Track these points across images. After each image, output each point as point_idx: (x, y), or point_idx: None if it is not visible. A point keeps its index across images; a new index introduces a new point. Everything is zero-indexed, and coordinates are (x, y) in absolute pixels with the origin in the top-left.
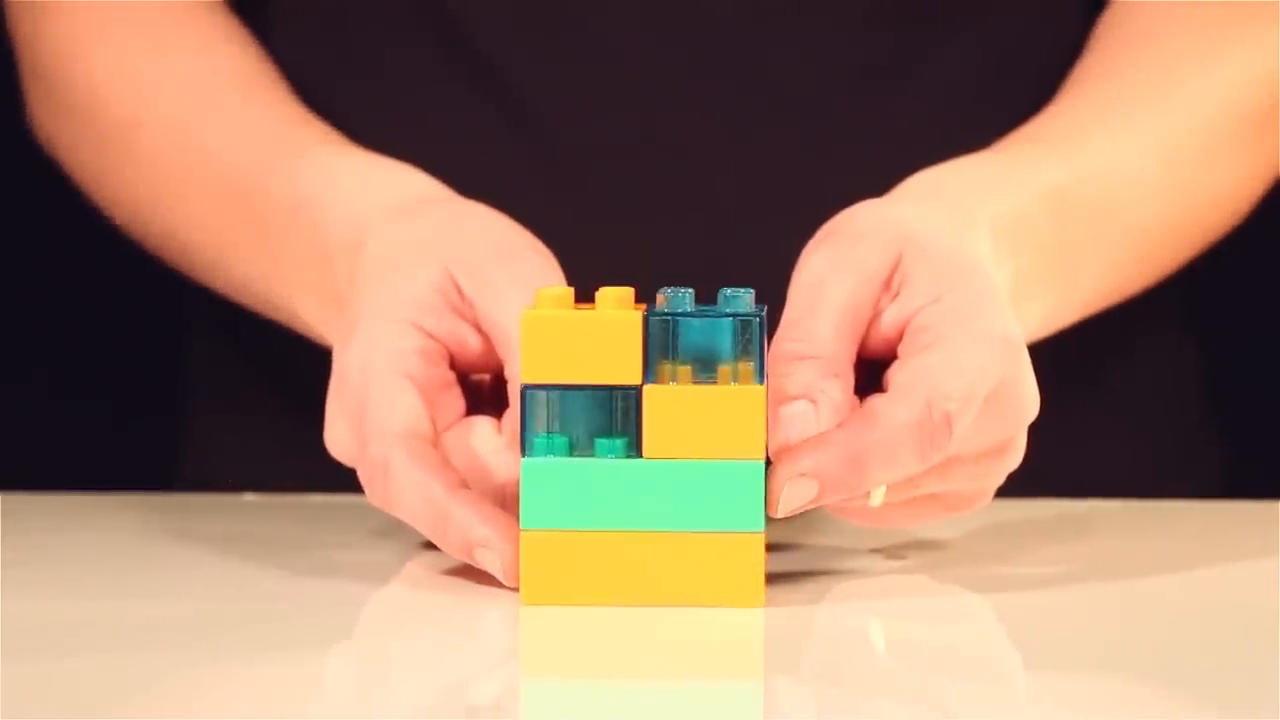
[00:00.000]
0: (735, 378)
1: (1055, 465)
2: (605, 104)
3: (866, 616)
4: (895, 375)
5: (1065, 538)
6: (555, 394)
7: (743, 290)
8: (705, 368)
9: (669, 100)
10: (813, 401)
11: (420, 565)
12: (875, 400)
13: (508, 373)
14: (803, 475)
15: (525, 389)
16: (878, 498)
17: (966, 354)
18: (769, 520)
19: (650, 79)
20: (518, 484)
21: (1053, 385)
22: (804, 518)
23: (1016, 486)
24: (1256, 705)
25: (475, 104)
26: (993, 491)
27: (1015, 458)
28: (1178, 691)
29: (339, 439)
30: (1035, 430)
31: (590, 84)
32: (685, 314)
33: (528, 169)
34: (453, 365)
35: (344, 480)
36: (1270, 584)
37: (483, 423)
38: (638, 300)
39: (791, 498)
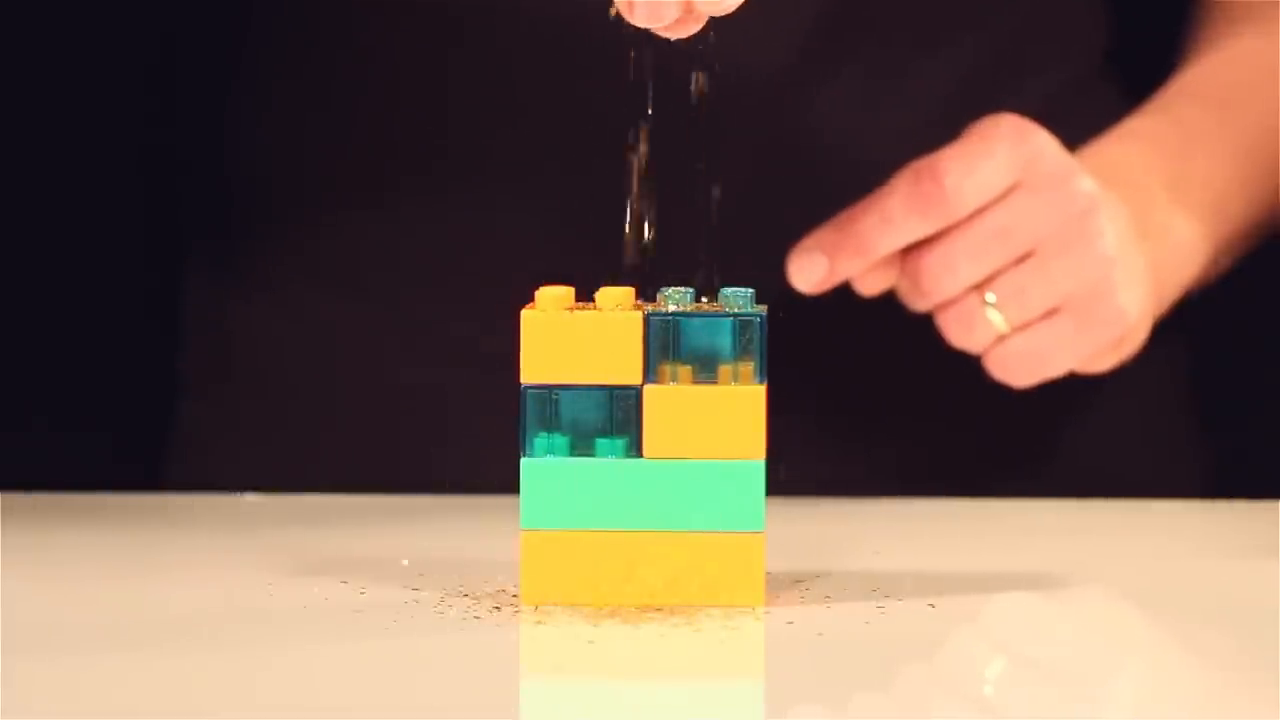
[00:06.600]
0: (735, 378)
1: (1055, 465)
2: (606, 104)
3: (866, 617)
4: None
5: (1065, 538)
6: (555, 394)
7: (743, 290)
8: (705, 368)
9: (669, 101)
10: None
11: (420, 565)
12: None
13: None
14: (805, 250)
15: (525, 389)
16: (994, 314)
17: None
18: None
19: (651, 81)
20: None
21: (1052, 387)
22: (806, 515)
23: (1016, 486)
24: (1255, 705)
25: (479, 103)
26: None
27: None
28: (1177, 691)
29: None
30: (1035, 431)
31: (592, 84)
32: (685, 314)
33: (530, 169)
34: None
35: (344, 480)
36: (1268, 584)
37: None
38: (638, 300)
39: (800, 270)
